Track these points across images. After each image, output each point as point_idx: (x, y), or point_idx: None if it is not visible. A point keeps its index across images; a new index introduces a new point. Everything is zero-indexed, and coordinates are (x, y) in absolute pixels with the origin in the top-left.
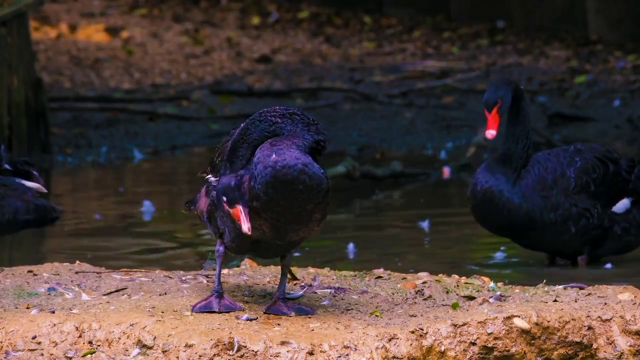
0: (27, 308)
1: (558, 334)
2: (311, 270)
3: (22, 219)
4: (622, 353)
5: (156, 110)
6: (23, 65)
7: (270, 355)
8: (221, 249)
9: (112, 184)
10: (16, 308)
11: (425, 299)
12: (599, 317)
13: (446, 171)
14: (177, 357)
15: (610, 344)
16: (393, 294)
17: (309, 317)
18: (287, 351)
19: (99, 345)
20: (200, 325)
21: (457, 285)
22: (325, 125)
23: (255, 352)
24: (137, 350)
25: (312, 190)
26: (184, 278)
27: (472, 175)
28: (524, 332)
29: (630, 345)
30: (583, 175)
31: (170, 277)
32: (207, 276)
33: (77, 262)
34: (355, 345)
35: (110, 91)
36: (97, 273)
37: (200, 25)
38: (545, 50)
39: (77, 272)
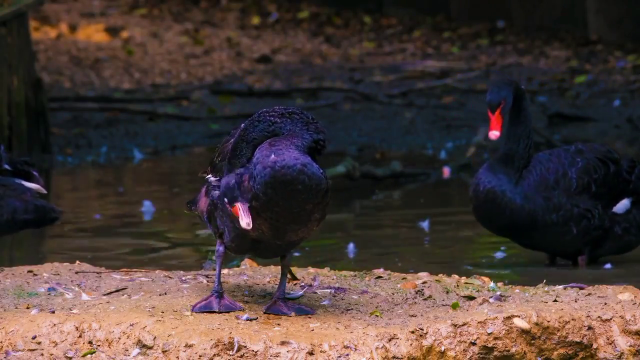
0: (27, 308)
1: (558, 334)
2: (311, 270)
3: (21, 218)
4: (622, 353)
5: (156, 110)
6: (23, 65)
7: (270, 355)
8: (221, 249)
9: (112, 184)
10: (16, 308)
11: (425, 299)
12: (599, 317)
13: (446, 171)
14: (177, 357)
15: (610, 344)
16: (393, 294)
17: (309, 317)
18: (287, 351)
19: (99, 345)
20: (200, 325)
21: (457, 285)
22: (325, 125)
23: (255, 352)
24: (137, 350)
25: (311, 191)
26: (184, 278)
27: (474, 176)
28: (524, 332)
29: (630, 345)
30: (584, 176)
31: (170, 277)
32: (207, 276)
33: (77, 262)
34: (355, 345)
35: (110, 91)
36: (97, 273)
37: (200, 25)
38: (545, 50)
39: (77, 272)
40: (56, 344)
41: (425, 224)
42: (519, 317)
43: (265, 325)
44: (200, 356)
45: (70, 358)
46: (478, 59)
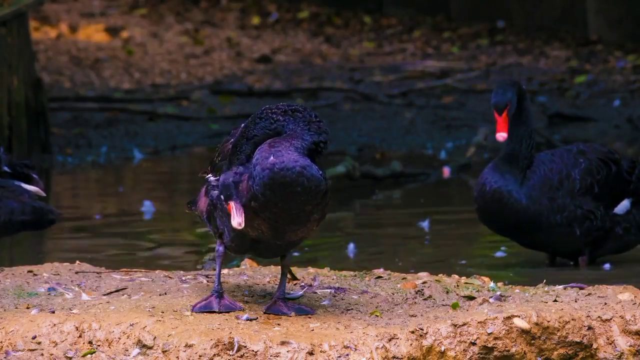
0: (27, 308)
1: (558, 334)
2: (311, 270)
3: (18, 219)
4: (622, 353)
5: (156, 110)
6: (23, 65)
7: (270, 355)
8: (221, 249)
9: (112, 184)
10: (16, 308)
11: (425, 299)
12: (599, 317)
13: (446, 171)
14: (177, 357)
15: (610, 344)
16: (393, 294)
17: (309, 317)
18: (287, 351)
19: (99, 345)
20: (200, 325)
21: (457, 285)
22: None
23: (255, 352)
24: (137, 350)
25: (310, 192)
26: (184, 278)
27: (478, 175)
28: (524, 332)
29: (630, 345)
30: (587, 177)
31: (170, 277)
32: (207, 276)
33: (77, 262)
34: (355, 345)
35: (110, 91)
36: (97, 273)
37: (200, 25)
38: (545, 50)
39: (77, 272)
40: (56, 344)
41: (425, 224)
42: (519, 317)
43: (265, 325)
44: (200, 356)
45: (70, 358)
46: (478, 59)
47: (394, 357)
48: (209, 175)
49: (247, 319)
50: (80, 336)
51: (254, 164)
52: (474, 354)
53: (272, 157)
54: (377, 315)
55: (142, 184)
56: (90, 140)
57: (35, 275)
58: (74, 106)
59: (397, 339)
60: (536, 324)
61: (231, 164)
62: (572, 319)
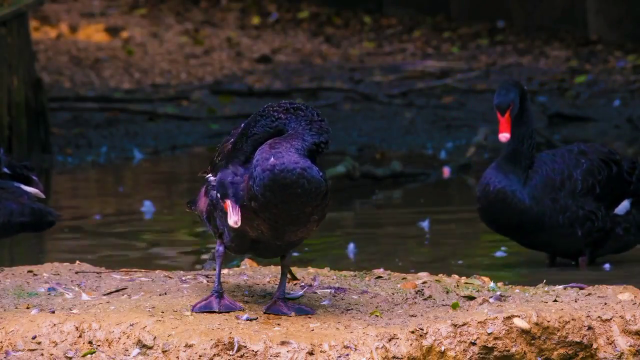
0: (27, 308)
1: (558, 334)
2: (311, 270)
3: (17, 221)
4: (622, 353)
5: (156, 110)
6: (23, 65)
7: (270, 355)
8: (221, 249)
9: (112, 184)
10: (16, 308)
11: (425, 299)
12: (599, 317)
13: (446, 171)
14: (177, 357)
15: (610, 344)
16: (393, 294)
17: (309, 317)
18: (287, 351)
19: (99, 345)
20: (200, 325)
21: (457, 285)
22: None
23: (255, 352)
24: (137, 350)
25: (310, 194)
26: (184, 278)
27: (482, 175)
28: (524, 332)
29: (630, 345)
30: (589, 178)
31: (170, 277)
32: (207, 276)
33: (77, 262)
34: (355, 345)
35: (110, 91)
36: (97, 273)
37: (200, 25)
38: (545, 50)
39: (77, 272)
40: (56, 344)
41: (425, 224)
42: (519, 317)
43: (265, 325)
44: (200, 356)
45: (70, 358)
46: (478, 59)
47: (394, 357)
48: (209, 175)
49: (247, 319)
50: (80, 336)
51: (254, 165)
52: (474, 354)
53: (272, 159)
54: (377, 315)
55: (142, 184)
56: (90, 140)
57: (35, 275)
58: (74, 106)
59: (397, 339)
60: (536, 324)
61: (229, 162)
62: (572, 319)
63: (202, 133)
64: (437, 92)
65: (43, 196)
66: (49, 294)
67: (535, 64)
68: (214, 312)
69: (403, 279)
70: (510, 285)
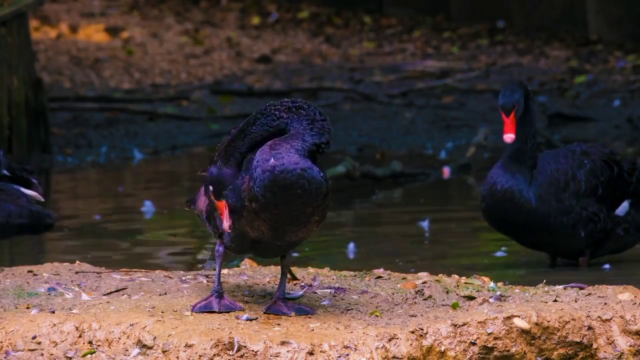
0: (27, 308)
1: (558, 334)
2: (311, 270)
3: (15, 223)
4: (622, 353)
5: (156, 110)
6: (23, 65)
7: (270, 355)
8: (221, 249)
9: (112, 184)
10: (16, 308)
11: (425, 299)
12: (599, 317)
13: (446, 171)
14: (177, 357)
15: (610, 344)
16: (393, 294)
17: (309, 317)
18: (287, 351)
19: (99, 345)
20: (200, 325)
21: (457, 285)
22: None
23: (255, 352)
24: (137, 350)
25: (311, 194)
26: (184, 278)
27: (488, 174)
28: (524, 332)
29: (630, 345)
30: (592, 179)
31: (170, 277)
32: (207, 276)
33: (77, 262)
34: (355, 345)
35: (110, 91)
36: (97, 273)
37: (200, 25)
38: (545, 50)
39: (77, 272)
40: (56, 344)
41: (425, 224)
42: (519, 317)
43: (265, 325)
44: (200, 356)
45: (70, 358)
46: (478, 59)
47: (394, 357)
48: None
49: (247, 319)
50: (80, 336)
51: (254, 166)
52: (474, 354)
53: (272, 160)
54: (377, 315)
55: (142, 184)
56: (90, 140)
57: (35, 275)
58: (74, 106)
59: (397, 339)
60: (536, 324)
61: (226, 158)
62: (572, 319)
63: (202, 133)
64: (437, 92)
65: (42, 199)
66: (49, 294)
67: (535, 64)
68: (214, 312)
69: (403, 279)
70: (510, 285)
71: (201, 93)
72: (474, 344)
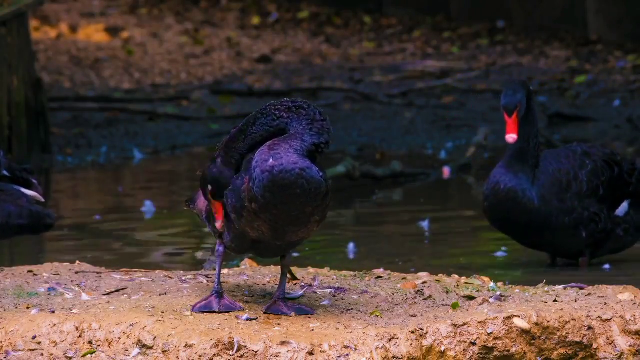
0: (27, 308)
1: (558, 334)
2: (311, 270)
3: (15, 223)
4: (622, 353)
5: (156, 110)
6: (23, 65)
7: (270, 355)
8: (221, 249)
9: (112, 184)
10: (16, 308)
11: (425, 299)
12: (599, 317)
13: (446, 171)
14: (177, 357)
15: (610, 344)
16: (393, 294)
17: (309, 317)
18: (287, 351)
19: (99, 345)
20: (200, 325)
21: (457, 285)
22: None
23: (255, 352)
24: (137, 350)
25: (310, 194)
26: (184, 278)
27: (491, 174)
28: (524, 332)
29: (630, 345)
30: (594, 179)
31: (170, 277)
32: (207, 276)
33: (77, 262)
34: (355, 345)
35: (110, 91)
36: (97, 273)
37: (200, 25)
38: (545, 50)
39: (77, 272)
40: (56, 344)
41: (425, 224)
42: (519, 317)
43: (265, 325)
44: (200, 356)
45: (70, 358)
46: (478, 59)
47: (394, 357)
48: None
49: (247, 319)
50: (80, 336)
51: (253, 167)
52: (474, 354)
53: (271, 160)
54: (377, 315)
55: (142, 184)
56: (90, 140)
57: (35, 275)
58: (74, 106)
59: (397, 339)
60: (536, 324)
61: (226, 157)
62: (572, 319)
63: (202, 133)
64: (437, 92)
65: (42, 199)
66: (49, 294)
67: (535, 64)
68: (214, 312)
69: (403, 279)
70: (510, 285)
71: (201, 93)
72: (474, 344)
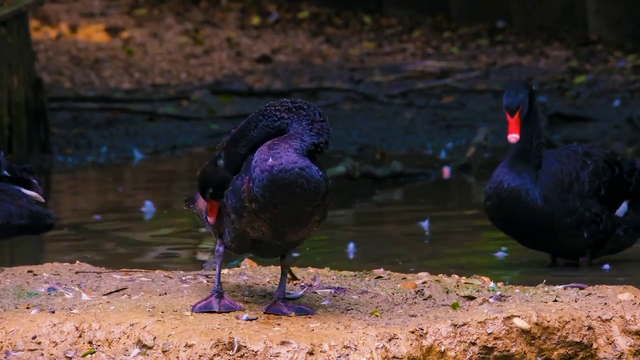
0: (27, 308)
1: (558, 334)
2: (311, 270)
3: (16, 224)
4: (622, 353)
5: (156, 110)
6: (23, 65)
7: (270, 355)
8: (221, 249)
9: (112, 184)
10: (16, 308)
11: (425, 299)
12: (599, 317)
13: (446, 171)
14: (177, 357)
15: (610, 344)
16: (393, 294)
17: (309, 317)
18: (287, 351)
19: (99, 345)
20: (200, 325)
21: (457, 285)
22: None
23: (255, 352)
24: (137, 350)
25: (310, 194)
26: (184, 278)
27: (493, 173)
28: (524, 332)
29: (630, 345)
30: (595, 179)
31: (170, 277)
32: (207, 276)
33: (77, 262)
34: (355, 345)
35: (110, 91)
36: (97, 273)
37: (200, 25)
38: (545, 50)
39: (77, 272)
40: (56, 344)
41: (425, 224)
42: (519, 317)
43: (265, 325)
44: (200, 356)
45: (70, 358)
46: (478, 59)
47: (394, 357)
48: None
49: (247, 319)
50: (80, 336)
51: (253, 167)
52: (474, 354)
53: (270, 159)
54: (377, 315)
55: (142, 184)
56: (90, 140)
57: (35, 275)
58: (74, 106)
59: (397, 339)
60: (536, 324)
61: (227, 158)
62: (572, 319)
63: (202, 133)
64: (437, 92)
65: (42, 199)
66: (49, 294)
67: (535, 64)
68: (214, 312)
69: (403, 279)
70: (510, 285)
71: (201, 93)
72: (474, 344)
